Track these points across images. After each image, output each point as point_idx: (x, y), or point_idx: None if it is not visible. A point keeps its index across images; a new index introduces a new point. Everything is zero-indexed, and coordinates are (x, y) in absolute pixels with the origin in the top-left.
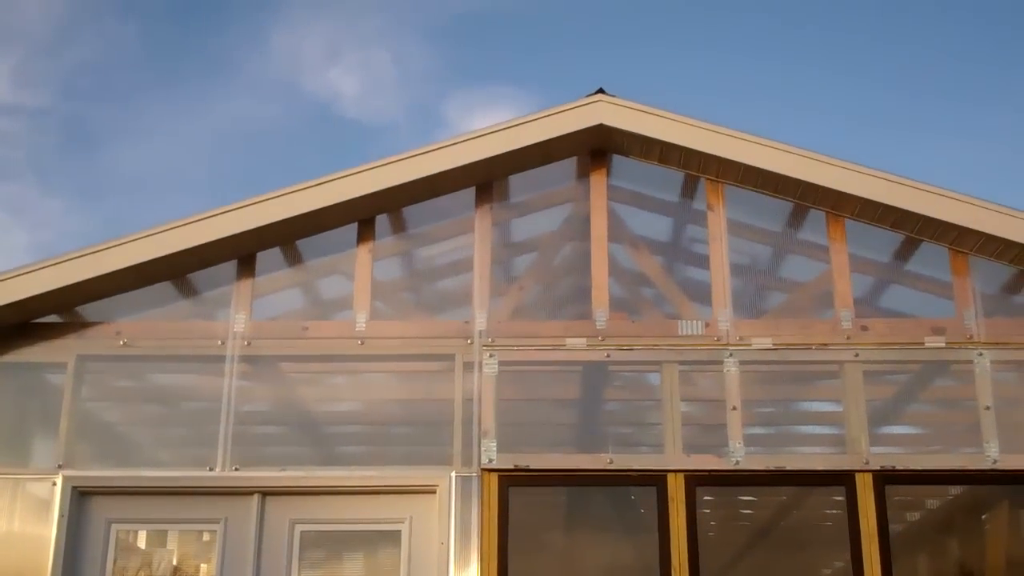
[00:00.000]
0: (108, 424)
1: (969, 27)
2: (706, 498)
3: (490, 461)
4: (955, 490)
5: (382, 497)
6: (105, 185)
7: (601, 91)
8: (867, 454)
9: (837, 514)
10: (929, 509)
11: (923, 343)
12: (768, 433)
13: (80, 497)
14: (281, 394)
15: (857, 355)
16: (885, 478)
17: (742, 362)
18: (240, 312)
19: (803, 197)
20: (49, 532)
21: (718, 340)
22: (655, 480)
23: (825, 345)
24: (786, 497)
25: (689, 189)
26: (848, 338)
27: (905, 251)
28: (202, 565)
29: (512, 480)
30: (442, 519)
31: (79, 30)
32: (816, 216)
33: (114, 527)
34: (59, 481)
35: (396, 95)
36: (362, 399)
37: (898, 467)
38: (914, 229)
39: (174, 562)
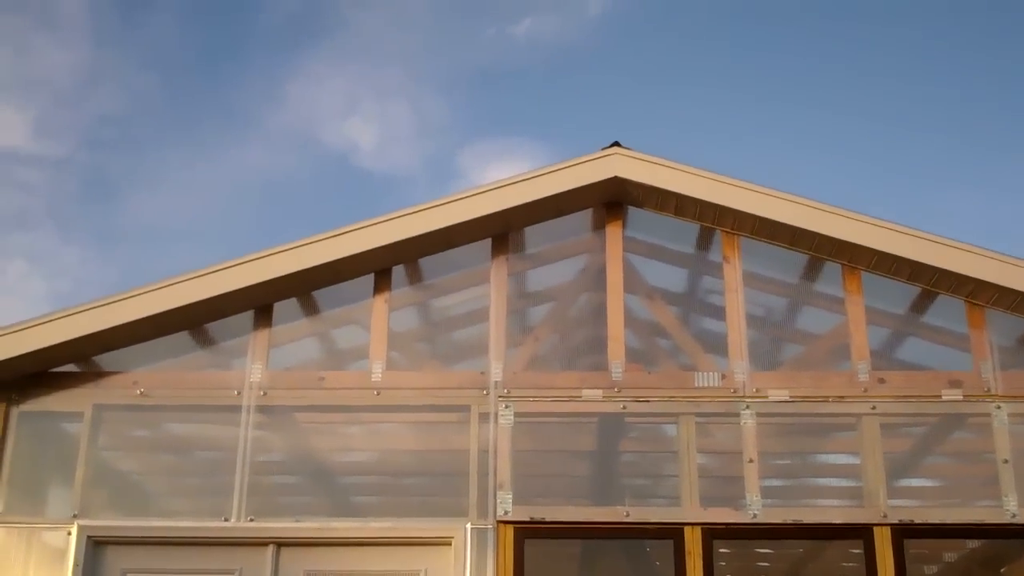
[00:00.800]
0: (124, 473)
1: (983, 70)
2: (723, 551)
3: (506, 513)
4: (973, 543)
5: (397, 548)
6: (123, 234)
7: (616, 144)
8: (885, 507)
9: (855, 567)
10: (947, 562)
11: (940, 396)
12: (785, 485)
13: (95, 547)
14: (297, 444)
15: (874, 407)
16: (903, 531)
17: (759, 414)
18: (256, 362)
19: (818, 249)
20: None
21: (734, 392)
22: (672, 533)
23: (842, 397)
24: (803, 550)
25: (705, 241)
26: (865, 390)
27: (921, 303)
28: None
29: (528, 532)
30: (457, 571)
31: (101, 80)
32: (832, 268)
33: None
34: (74, 531)
35: (413, 146)
36: (378, 449)
37: (916, 520)
38: (930, 281)
39: None
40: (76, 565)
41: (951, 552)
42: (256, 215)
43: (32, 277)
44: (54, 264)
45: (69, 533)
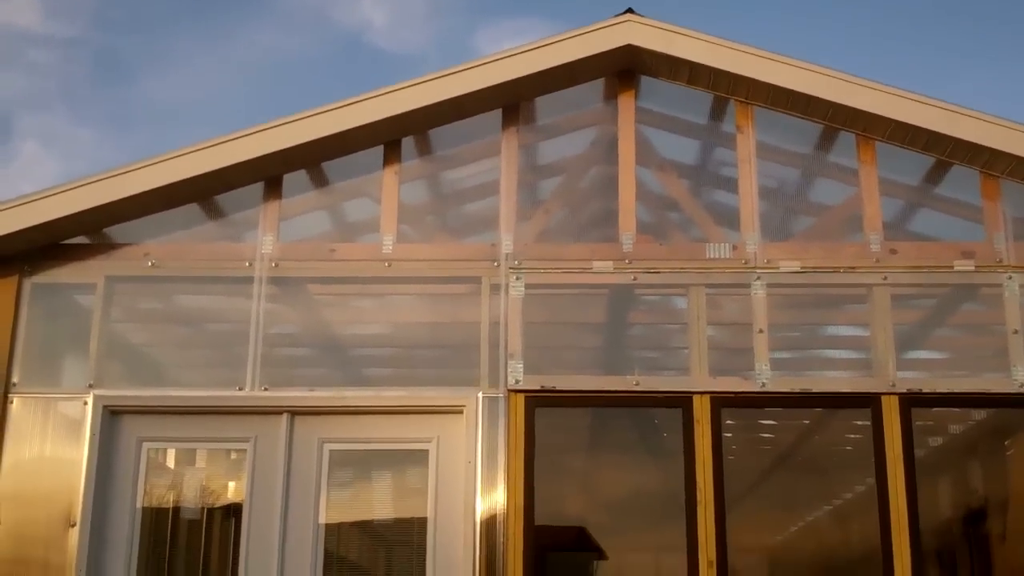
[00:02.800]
0: (137, 346)
1: None
2: (730, 422)
3: (517, 382)
4: (978, 415)
5: (410, 417)
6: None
7: (630, 11)
8: (894, 377)
9: (860, 439)
10: (952, 434)
11: (952, 266)
12: (794, 357)
13: (111, 416)
14: (309, 317)
15: (885, 278)
16: (911, 400)
17: (769, 285)
18: (267, 234)
19: (833, 119)
20: (81, 451)
21: (745, 263)
22: (681, 402)
23: (853, 268)
24: (809, 422)
25: (718, 111)
26: (876, 261)
27: (935, 174)
28: (231, 483)
29: (539, 401)
30: (469, 439)
31: None
32: (846, 138)
33: (145, 445)
34: (90, 400)
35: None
36: (390, 322)
37: (924, 390)
38: (945, 152)
39: (204, 481)
40: (93, 435)
41: (956, 424)
42: (269, 95)
43: (46, 158)
44: (68, 145)
45: (85, 403)
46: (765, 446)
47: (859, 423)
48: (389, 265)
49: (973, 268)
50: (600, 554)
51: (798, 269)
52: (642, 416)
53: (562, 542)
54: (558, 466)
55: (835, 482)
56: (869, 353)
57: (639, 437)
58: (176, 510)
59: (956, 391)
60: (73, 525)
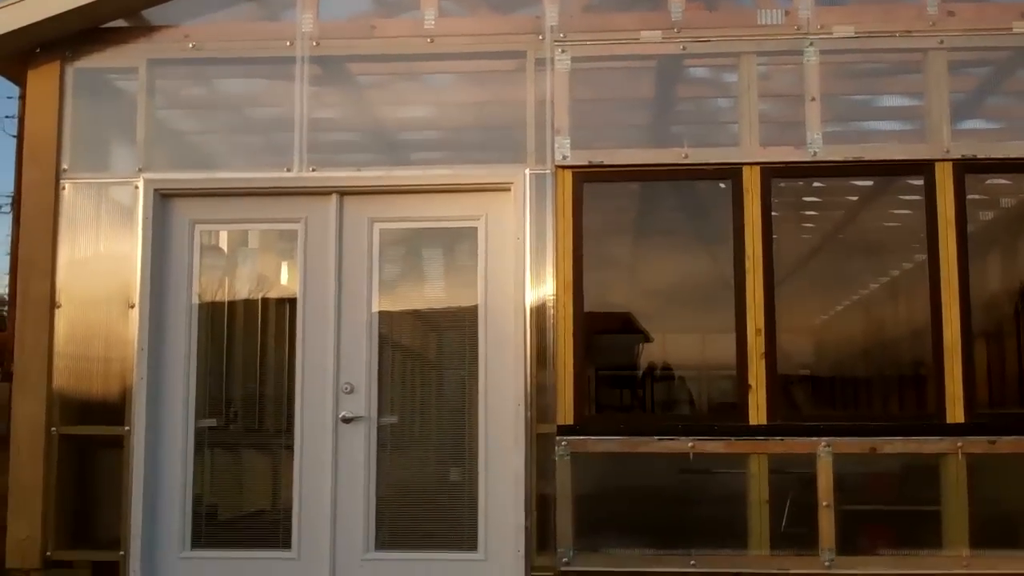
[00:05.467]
0: (183, 132)
1: None
2: (776, 200)
3: (564, 158)
4: None
5: (458, 196)
6: None
7: None
8: (948, 143)
9: (909, 215)
10: (1004, 208)
11: (1011, 28)
12: (846, 129)
13: (162, 199)
14: (353, 100)
15: (942, 42)
16: (965, 166)
17: (822, 52)
18: (306, 12)
19: None
20: (135, 235)
21: (798, 29)
22: (731, 173)
23: (909, 32)
24: (857, 198)
25: None
26: (933, 24)
27: None
28: (284, 265)
29: (586, 176)
30: (517, 216)
31: None
32: None
33: (198, 227)
34: (141, 184)
35: None
36: (434, 103)
37: (979, 155)
38: None
39: (257, 263)
40: (146, 218)
41: (1009, 198)
42: None
43: None
44: None
45: (136, 187)
46: (809, 224)
47: (908, 198)
48: (431, 41)
49: None
50: (645, 336)
51: (852, 34)
52: (689, 197)
53: (609, 326)
54: (604, 253)
55: (883, 260)
56: (923, 123)
57: (686, 219)
58: (231, 292)
59: (1012, 156)
60: (132, 306)
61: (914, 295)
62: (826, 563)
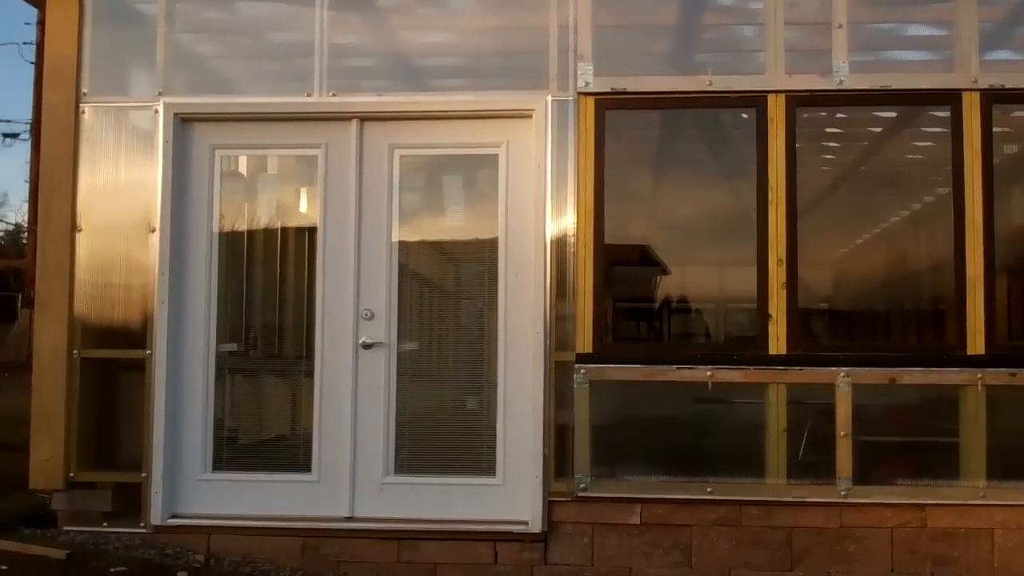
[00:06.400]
0: (202, 56)
1: None
2: (803, 131)
3: (587, 84)
4: None
5: (479, 122)
6: None
7: None
8: (976, 73)
9: (933, 147)
10: None
11: None
12: (873, 59)
13: (182, 124)
14: (374, 24)
15: None
16: (993, 96)
17: None
18: None
19: None
20: (155, 160)
21: None
22: (755, 101)
23: None
24: (881, 130)
25: None
26: None
27: None
28: (304, 191)
29: (609, 103)
30: (538, 143)
31: None
32: None
33: (218, 153)
34: (161, 108)
35: None
36: (455, 28)
37: (1007, 85)
38: None
39: (278, 189)
40: (166, 142)
41: None
42: None
43: None
44: None
45: (156, 111)
46: (831, 156)
47: (932, 130)
48: None
49: None
50: (664, 269)
51: None
52: (712, 128)
53: (627, 258)
54: (624, 184)
55: (905, 193)
56: (951, 53)
57: (708, 151)
58: (252, 219)
59: None
60: (153, 231)
61: (936, 228)
62: (843, 492)
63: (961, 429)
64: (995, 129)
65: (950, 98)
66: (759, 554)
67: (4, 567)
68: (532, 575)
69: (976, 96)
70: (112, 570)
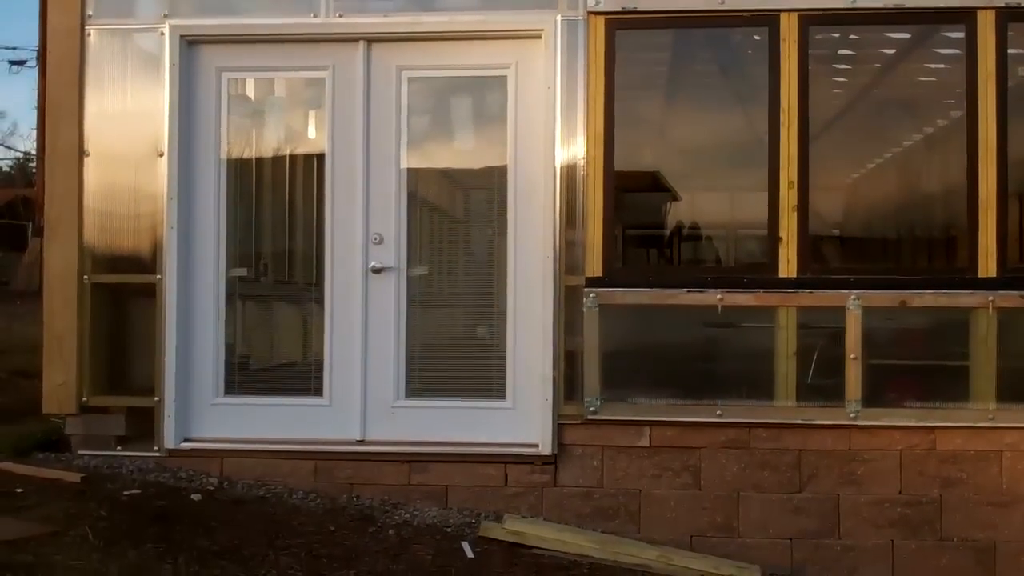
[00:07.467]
0: None
1: None
2: (814, 52)
3: (597, 3)
4: None
5: (487, 43)
6: None
7: None
8: None
9: (946, 69)
10: None
11: None
12: None
13: (188, 46)
14: None
15: None
16: (1009, 15)
17: None
18: None
19: None
20: (162, 84)
21: None
22: (768, 20)
23: None
24: (894, 51)
25: None
26: None
27: None
28: (311, 112)
29: (619, 23)
30: (548, 64)
31: None
32: None
33: (225, 75)
34: (166, 30)
35: None
36: None
37: (1023, 3)
38: None
39: (285, 113)
40: (172, 64)
41: None
42: None
43: None
44: None
45: (162, 33)
46: (842, 78)
47: (947, 50)
48: None
49: None
50: (674, 195)
51: None
52: (723, 51)
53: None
54: (634, 109)
55: (916, 116)
56: None
57: (719, 75)
58: (260, 144)
59: None
60: (161, 155)
61: (949, 152)
62: (852, 414)
63: (971, 352)
64: (1010, 50)
65: (964, 17)
66: (768, 476)
67: (20, 489)
68: (542, 497)
69: (991, 14)
70: (126, 493)
